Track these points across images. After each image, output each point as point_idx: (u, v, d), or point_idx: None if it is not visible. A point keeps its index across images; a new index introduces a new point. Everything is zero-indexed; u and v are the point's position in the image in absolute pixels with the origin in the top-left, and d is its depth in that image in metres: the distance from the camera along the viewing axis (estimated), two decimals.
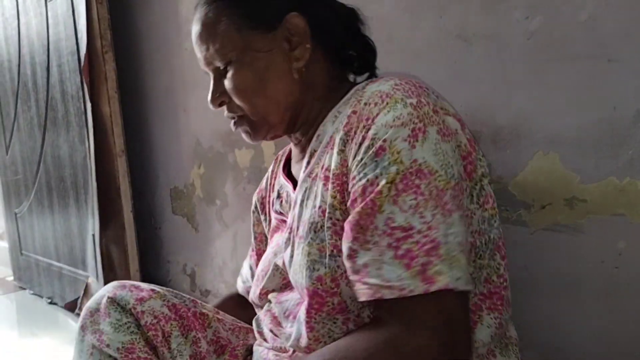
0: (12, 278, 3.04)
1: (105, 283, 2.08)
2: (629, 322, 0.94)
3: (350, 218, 0.67)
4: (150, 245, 2.31)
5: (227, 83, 0.80)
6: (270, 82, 0.79)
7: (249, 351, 0.97)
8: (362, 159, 0.67)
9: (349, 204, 0.69)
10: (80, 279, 2.32)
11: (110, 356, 0.87)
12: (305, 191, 0.78)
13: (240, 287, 1.09)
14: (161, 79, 2.07)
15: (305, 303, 0.74)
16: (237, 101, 0.81)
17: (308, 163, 0.79)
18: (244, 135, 0.86)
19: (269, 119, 0.82)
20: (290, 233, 0.80)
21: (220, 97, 0.83)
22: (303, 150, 0.86)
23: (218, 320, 0.99)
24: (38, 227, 2.67)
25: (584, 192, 0.96)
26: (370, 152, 0.66)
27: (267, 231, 1.02)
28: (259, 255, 1.05)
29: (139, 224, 2.19)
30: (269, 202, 1.00)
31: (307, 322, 0.74)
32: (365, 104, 0.70)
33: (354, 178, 0.68)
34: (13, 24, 2.53)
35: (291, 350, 0.82)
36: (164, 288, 0.98)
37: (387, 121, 0.67)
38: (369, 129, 0.68)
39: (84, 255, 2.28)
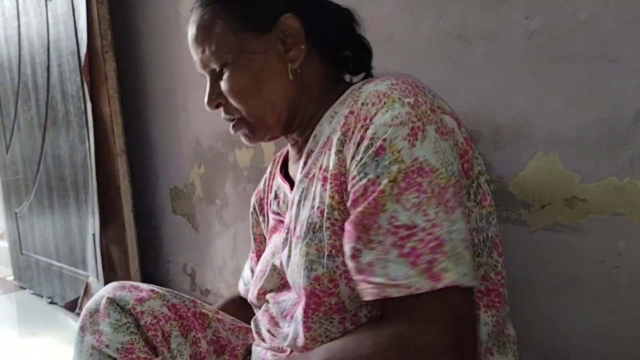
0: (12, 278, 3.04)
1: (106, 283, 2.08)
2: (629, 321, 0.94)
3: (352, 218, 0.67)
4: (151, 245, 2.31)
5: (223, 85, 0.81)
6: (266, 83, 0.80)
7: (249, 351, 0.97)
8: (361, 159, 0.67)
9: (349, 204, 0.69)
10: (81, 278, 2.32)
11: (109, 356, 0.87)
12: (302, 191, 0.78)
13: (241, 290, 1.09)
14: (161, 79, 2.07)
15: (303, 303, 0.74)
16: (233, 103, 0.81)
17: (305, 163, 0.79)
18: (242, 139, 0.86)
19: (265, 120, 0.82)
20: (287, 233, 0.80)
21: (216, 98, 0.83)
22: (300, 151, 0.86)
23: (218, 320, 0.99)
24: (38, 227, 2.67)
25: (584, 192, 0.96)
26: (370, 151, 0.66)
27: (265, 232, 1.02)
28: (259, 257, 1.05)
29: (139, 223, 2.19)
30: (267, 203, 1.00)
31: (304, 322, 0.75)
32: (363, 104, 0.70)
33: (353, 178, 0.68)
34: (13, 24, 2.53)
35: (289, 350, 0.82)
36: (164, 288, 0.98)
37: (386, 120, 0.67)
38: (367, 129, 0.68)
39: (84, 255, 2.28)
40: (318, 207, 0.73)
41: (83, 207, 2.24)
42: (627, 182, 0.91)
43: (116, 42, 2.06)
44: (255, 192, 1.05)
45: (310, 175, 0.77)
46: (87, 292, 2.26)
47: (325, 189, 0.73)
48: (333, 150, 0.73)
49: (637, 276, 0.92)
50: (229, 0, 0.80)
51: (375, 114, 0.68)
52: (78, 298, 2.31)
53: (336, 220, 0.72)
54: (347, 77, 0.88)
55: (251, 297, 0.94)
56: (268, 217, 0.98)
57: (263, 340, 0.90)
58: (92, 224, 2.18)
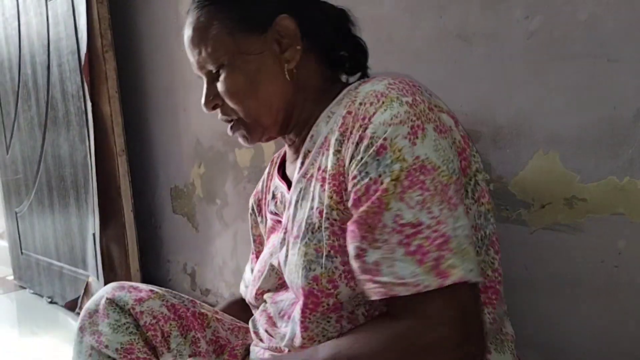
0: (12, 277, 3.04)
1: (106, 282, 2.08)
2: (628, 321, 0.94)
3: (355, 217, 0.67)
4: (151, 244, 2.31)
5: (220, 86, 0.81)
6: (262, 84, 0.80)
7: (248, 351, 0.98)
8: (362, 158, 0.67)
9: (350, 203, 0.69)
10: (81, 278, 2.32)
11: (109, 357, 0.87)
12: (299, 191, 0.78)
13: (243, 292, 1.09)
14: (161, 78, 2.07)
15: (300, 303, 0.74)
16: (229, 104, 0.82)
17: (302, 164, 0.80)
18: (240, 140, 0.86)
19: (261, 121, 0.82)
20: (285, 233, 0.81)
21: (213, 100, 0.83)
22: (297, 151, 0.86)
23: (217, 320, 0.99)
24: (38, 227, 2.67)
25: (584, 192, 0.96)
26: (371, 151, 0.67)
27: (264, 233, 1.02)
28: (259, 258, 1.05)
29: (139, 223, 2.19)
30: (264, 203, 1.00)
31: (301, 322, 0.75)
32: (361, 103, 0.70)
33: (354, 177, 0.68)
34: (13, 23, 2.53)
35: (286, 350, 0.83)
36: (163, 288, 0.98)
37: (385, 120, 0.67)
38: (366, 128, 0.68)
39: (84, 254, 2.28)
40: (317, 208, 0.74)
41: (83, 207, 2.25)
42: (627, 182, 0.91)
43: (116, 41, 2.06)
44: (254, 193, 1.05)
45: (308, 176, 0.78)
46: (87, 292, 2.26)
47: (324, 190, 0.73)
48: (331, 151, 0.73)
49: (636, 276, 0.92)
50: (225, 1, 0.80)
51: (374, 113, 0.68)
52: (78, 298, 2.31)
53: (335, 220, 0.72)
54: (344, 77, 0.89)
55: (249, 297, 0.94)
56: (266, 217, 0.98)
57: (261, 340, 0.90)
58: (92, 224, 2.18)
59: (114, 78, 2.05)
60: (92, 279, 2.23)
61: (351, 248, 0.68)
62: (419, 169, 0.65)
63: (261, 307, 0.91)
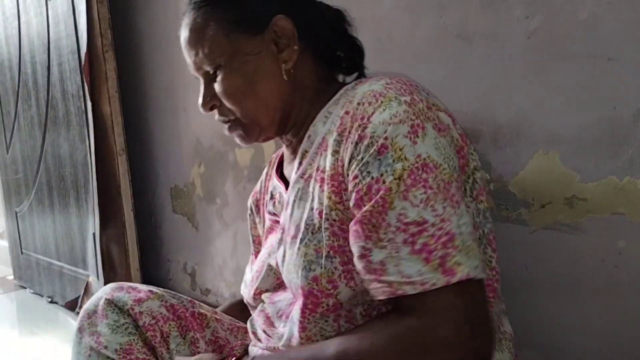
0: (12, 277, 3.05)
1: (106, 282, 2.08)
2: (628, 321, 0.94)
3: (359, 217, 0.67)
4: (151, 244, 2.31)
5: (217, 87, 0.81)
6: (260, 84, 0.80)
7: (247, 351, 0.98)
8: (362, 158, 0.67)
9: (351, 203, 0.69)
10: (81, 277, 2.32)
11: (108, 358, 0.87)
12: (297, 192, 0.78)
13: (244, 293, 1.09)
14: (161, 78, 2.07)
15: (300, 303, 0.74)
16: (227, 104, 0.82)
17: (300, 164, 0.80)
18: (237, 140, 0.86)
19: (259, 121, 0.82)
20: (282, 233, 0.81)
21: (211, 100, 0.83)
22: (294, 152, 0.86)
23: (216, 321, 0.99)
24: (38, 226, 2.67)
25: (584, 191, 0.96)
26: (372, 150, 0.67)
27: (262, 233, 1.02)
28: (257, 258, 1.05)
29: (139, 222, 2.19)
30: (263, 204, 1.00)
31: (300, 322, 0.75)
32: (359, 103, 0.71)
33: (356, 177, 0.68)
34: (13, 23, 2.53)
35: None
36: (162, 289, 0.98)
37: (385, 119, 0.67)
38: (365, 128, 0.68)
39: (85, 254, 2.28)
40: (317, 209, 0.74)
41: (83, 207, 2.25)
42: (627, 182, 0.91)
43: (116, 41, 2.06)
44: (252, 193, 1.05)
45: (306, 176, 0.78)
46: (87, 292, 2.26)
47: (323, 190, 0.73)
48: (329, 151, 0.73)
49: (636, 275, 0.92)
50: (222, 2, 0.80)
51: (373, 113, 0.68)
52: (78, 297, 2.32)
53: (334, 220, 0.72)
54: (340, 77, 0.89)
55: (247, 297, 0.94)
56: (264, 218, 0.99)
57: (259, 340, 0.90)
58: (93, 223, 2.18)
59: (114, 78, 2.05)
60: (92, 279, 2.23)
61: (355, 248, 0.68)
62: (421, 168, 0.65)
63: (259, 307, 0.91)
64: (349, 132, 0.70)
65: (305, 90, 0.83)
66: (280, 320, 0.83)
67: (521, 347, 1.00)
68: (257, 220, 1.04)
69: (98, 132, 2.08)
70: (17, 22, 2.50)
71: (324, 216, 0.72)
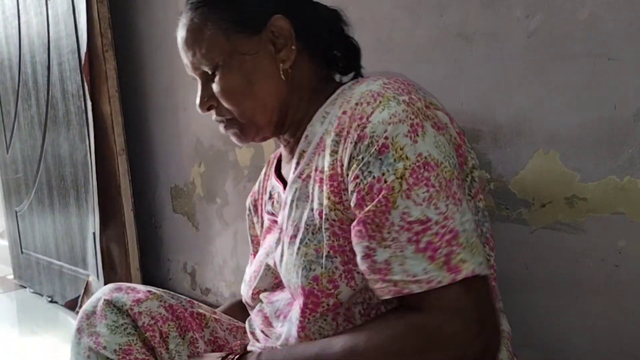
0: (12, 276, 3.04)
1: (106, 281, 2.08)
2: (628, 320, 0.94)
3: (362, 217, 0.67)
4: (151, 243, 2.31)
5: (215, 87, 0.81)
6: (258, 84, 0.80)
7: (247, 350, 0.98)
8: (363, 158, 0.67)
9: (353, 203, 0.69)
10: (81, 277, 2.32)
11: (107, 358, 0.87)
12: (295, 192, 0.78)
13: (244, 293, 1.09)
14: (161, 77, 2.07)
15: (300, 303, 0.74)
16: (225, 104, 0.82)
17: (297, 164, 0.80)
18: (233, 138, 0.86)
19: (256, 121, 0.82)
20: (280, 233, 0.81)
21: (208, 101, 0.83)
22: (292, 152, 0.86)
23: (215, 320, 0.99)
24: (38, 226, 2.67)
25: (584, 191, 0.96)
26: (373, 150, 0.67)
27: (260, 233, 1.02)
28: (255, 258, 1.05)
29: (140, 222, 2.19)
30: (261, 204, 1.00)
31: (300, 322, 0.75)
32: (357, 103, 0.71)
33: (357, 177, 0.68)
34: (13, 22, 2.53)
35: None
36: (161, 289, 0.98)
37: (384, 119, 0.67)
38: (364, 127, 0.68)
39: (85, 253, 2.28)
40: (317, 209, 0.74)
41: (83, 206, 2.25)
42: (627, 181, 0.91)
43: (116, 41, 2.06)
44: (251, 193, 1.06)
45: (304, 176, 0.78)
46: (87, 291, 2.26)
47: (322, 190, 0.73)
48: (327, 152, 0.73)
49: (637, 275, 0.92)
50: (219, 3, 0.81)
51: (372, 112, 0.68)
52: (78, 297, 2.32)
53: (334, 220, 0.72)
54: (337, 77, 0.89)
55: (246, 297, 0.94)
56: (263, 218, 0.99)
57: (257, 340, 0.90)
58: (93, 223, 2.18)
59: (114, 77, 2.05)
60: (92, 278, 2.23)
61: (359, 248, 0.68)
62: (423, 166, 0.65)
63: (257, 307, 0.91)
64: (348, 132, 0.70)
65: (302, 90, 0.83)
66: (278, 320, 0.83)
67: (521, 346, 1.00)
68: (255, 220, 1.04)
69: (98, 132, 2.08)
70: (17, 22, 2.50)
71: (324, 216, 0.72)
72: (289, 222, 0.78)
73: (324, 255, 0.72)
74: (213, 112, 0.85)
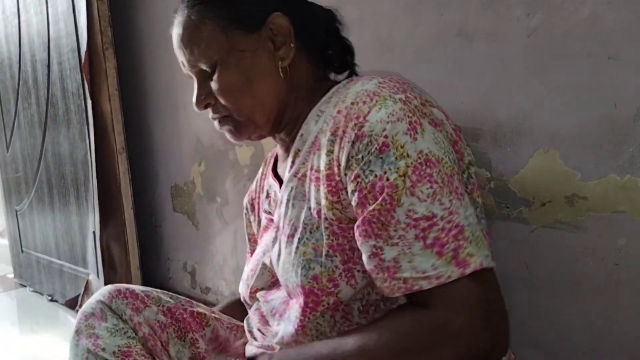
0: (12, 275, 3.04)
1: (106, 280, 2.08)
2: (628, 319, 0.94)
3: (366, 216, 0.67)
4: (151, 242, 2.31)
5: (214, 84, 0.81)
6: (257, 82, 0.80)
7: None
8: (363, 157, 0.67)
9: (354, 202, 0.69)
10: (81, 276, 2.32)
11: None
12: (291, 191, 0.78)
13: (242, 291, 1.09)
14: (162, 76, 2.07)
15: (301, 302, 0.74)
16: (223, 101, 0.81)
17: (293, 163, 0.80)
18: (227, 135, 0.86)
19: (254, 119, 0.82)
20: (277, 232, 0.81)
21: (206, 99, 0.83)
22: (287, 150, 0.87)
23: (216, 319, 0.99)
24: (39, 225, 2.67)
25: (585, 190, 0.96)
26: (373, 149, 0.67)
27: (257, 232, 1.02)
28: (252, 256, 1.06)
29: (140, 221, 2.19)
30: (258, 202, 1.00)
31: (300, 321, 0.75)
32: (352, 103, 0.71)
33: (357, 176, 0.68)
34: (13, 21, 2.53)
35: (278, 348, 0.83)
36: (159, 290, 0.97)
37: (382, 118, 0.67)
38: (361, 127, 0.68)
39: (85, 252, 2.28)
40: (314, 208, 0.74)
41: (83, 205, 2.25)
42: (628, 180, 0.91)
43: (116, 39, 2.06)
44: (248, 192, 1.06)
45: (300, 175, 0.78)
46: (87, 290, 2.27)
47: (319, 190, 0.73)
48: (323, 151, 0.73)
49: (637, 274, 0.92)
50: (216, 0, 0.80)
51: (369, 112, 0.68)
52: (78, 296, 2.32)
53: (333, 220, 0.72)
54: (332, 76, 0.89)
55: (245, 295, 0.94)
56: (260, 216, 0.99)
57: (255, 339, 0.90)
58: (93, 222, 2.18)
59: (114, 76, 2.05)
60: (92, 277, 2.24)
61: (365, 247, 0.68)
62: (425, 163, 0.66)
63: (254, 306, 0.91)
64: (344, 132, 0.70)
65: (300, 89, 0.83)
66: (274, 319, 0.83)
67: (521, 345, 1.00)
68: (252, 218, 1.04)
69: (98, 131, 2.08)
70: (17, 21, 2.50)
71: (322, 216, 0.72)
72: (286, 221, 0.78)
73: (324, 254, 0.72)
74: (210, 110, 0.85)
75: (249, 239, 1.07)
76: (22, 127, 2.64)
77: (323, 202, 0.72)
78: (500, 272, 0.79)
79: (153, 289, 0.98)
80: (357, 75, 0.90)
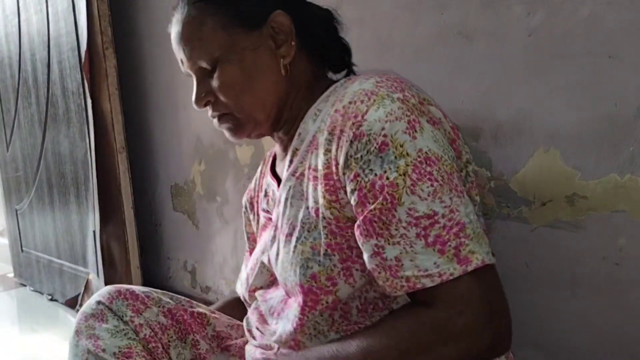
0: (12, 275, 3.05)
1: (106, 279, 2.08)
2: (629, 319, 0.94)
3: (367, 215, 0.67)
4: (151, 242, 2.31)
5: (214, 82, 0.80)
6: (259, 79, 0.80)
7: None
8: (362, 156, 0.67)
9: (354, 202, 0.69)
10: (81, 275, 2.32)
11: None
12: (289, 190, 0.78)
13: (239, 290, 1.09)
14: (162, 75, 2.07)
15: (300, 300, 0.74)
16: (223, 99, 0.81)
17: (291, 162, 0.80)
18: (226, 133, 0.86)
19: (255, 116, 0.82)
20: (275, 230, 0.81)
21: (206, 96, 0.83)
22: (285, 149, 0.87)
23: (216, 319, 0.99)
24: (39, 224, 2.67)
25: (585, 189, 0.96)
26: (372, 148, 0.67)
27: (256, 230, 1.02)
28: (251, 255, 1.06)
29: (140, 220, 2.19)
30: (257, 201, 1.00)
31: (299, 319, 0.75)
32: (350, 102, 0.71)
33: (357, 175, 0.68)
34: (13, 20, 2.53)
35: (276, 347, 0.83)
36: (159, 290, 0.97)
37: (380, 117, 0.67)
38: (360, 126, 0.68)
39: (85, 251, 2.28)
40: (312, 207, 0.74)
41: (83, 204, 2.25)
42: (628, 179, 0.91)
43: (116, 38, 2.06)
44: (247, 191, 1.06)
45: (297, 174, 0.78)
46: (87, 289, 2.27)
47: (317, 189, 0.73)
48: (321, 151, 0.73)
49: (637, 273, 0.92)
50: None
51: (367, 111, 0.68)
52: (78, 295, 2.32)
53: (330, 219, 0.72)
54: (330, 75, 0.89)
55: (245, 294, 0.94)
56: (258, 215, 0.99)
57: (254, 338, 0.90)
58: (93, 221, 2.18)
59: (114, 75, 2.05)
60: (92, 276, 2.24)
61: (367, 247, 0.68)
62: (424, 161, 0.66)
63: (253, 305, 0.92)
64: (341, 131, 0.70)
65: (300, 87, 0.83)
66: (273, 318, 0.83)
67: (521, 345, 1.00)
68: (251, 217, 1.04)
69: (98, 130, 2.08)
70: (17, 20, 2.50)
71: (320, 215, 0.73)
72: (284, 220, 0.78)
73: (322, 253, 0.72)
74: (209, 108, 0.85)
75: (248, 238, 1.07)
76: (22, 127, 2.64)
77: (321, 201, 0.72)
78: (501, 272, 0.79)
79: (153, 289, 0.97)
80: (354, 74, 0.90)
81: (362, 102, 0.69)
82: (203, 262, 2.05)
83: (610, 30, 0.90)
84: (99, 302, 0.90)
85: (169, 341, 0.92)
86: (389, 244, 0.66)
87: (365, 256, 0.69)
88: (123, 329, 0.88)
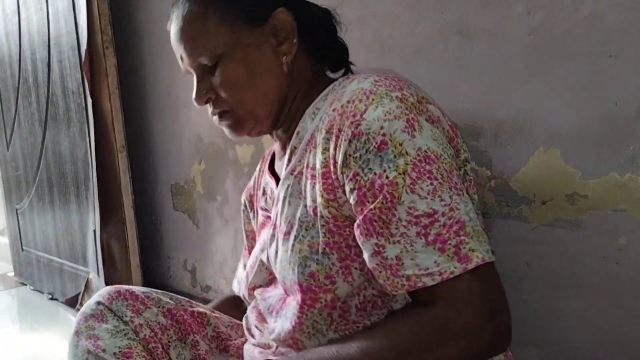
0: (12, 274, 3.05)
1: (106, 279, 2.08)
2: (629, 318, 0.94)
3: (367, 214, 0.67)
4: (151, 241, 2.31)
5: (216, 78, 0.80)
6: (260, 76, 0.80)
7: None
8: (361, 155, 0.67)
9: (353, 201, 0.69)
10: (81, 274, 2.32)
11: None
12: (287, 188, 0.78)
13: (236, 288, 1.09)
14: (162, 74, 2.07)
15: (298, 299, 0.75)
16: (225, 96, 0.81)
17: (289, 160, 0.80)
18: (226, 130, 0.86)
19: (256, 113, 0.82)
20: (274, 229, 0.81)
21: (207, 94, 0.83)
22: (284, 148, 0.87)
23: (216, 318, 0.99)
24: (39, 223, 2.67)
25: (585, 188, 0.96)
26: (371, 147, 0.67)
27: (255, 229, 1.02)
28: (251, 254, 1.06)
29: (140, 219, 2.19)
30: (256, 200, 1.00)
31: (298, 318, 0.75)
32: (348, 101, 0.71)
33: (356, 174, 0.68)
34: (14, 19, 2.53)
35: (275, 345, 0.83)
36: (159, 291, 0.97)
37: (379, 116, 0.67)
38: (358, 125, 0.68)
39: (85, 250, 2.28)
40: (310, 206, 0.74)
41: (83, 203, 2.25)
42: (628, 178, 0.91)
43: (117, 37, 2.06)
44: (246, 189, 1.06)
45: (296, 173, 0.78)
46: (87, 288, 2.27)
47: (314, 188, 0.73)
48: (319, 150, 0.73)
49: (638, 273, 0.92)
50: None
51: (365, 110, 0.68)
52: (79, 294, 2.32)
53: (329, 218, 0.72)
54: (328, 73, 0.89)
55: (244, 293, 0.94)
56: (257, 213, 0.99)
57: (253, 336, 0.91)
58: (93, 220, 2.18)
59: (114, 74, 2.05)
60: (92, 276, 2.24)
61: (367, 246, 0.68)
62: (424, 160, 0.66)
63: (252, 304, 0.92)
64: (340, 130, 0.70)
65: (300, 84, 0.83)
66: (272, 316, 0.83)
67: (520, 344, 1.00)
68: (251, 215, 1.04)
69: (98, 129, 2.08)
70: (17, 19, 2.50)
71: (318, 214, 0.73)
72: (282, 219, 0.78)
73: (320, 252, 0.72)
74: (210, 105, 0.85)
75: (247, 236, 1.07)
76: (23, 126, 2.64)
77: (319, 200, 0.72)
78: (500, 271, 0.79)
79: (153, 289, 0.97)
80: (352, 73, 0.90)
81: (360, 101, 0.69)
82: (203, 261, 2.06)
83: (611, 30, 0.90)
84: (98, 303, 0.90)
85: (168, 341, 0.92)
86: (389, 243, 0.66)
87: (366, 255, 0.69)
88: (123, 329, 0.88)
